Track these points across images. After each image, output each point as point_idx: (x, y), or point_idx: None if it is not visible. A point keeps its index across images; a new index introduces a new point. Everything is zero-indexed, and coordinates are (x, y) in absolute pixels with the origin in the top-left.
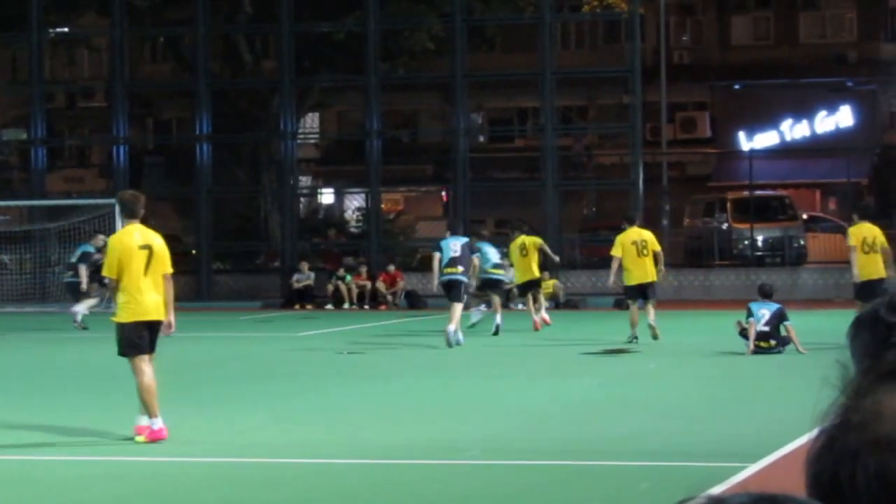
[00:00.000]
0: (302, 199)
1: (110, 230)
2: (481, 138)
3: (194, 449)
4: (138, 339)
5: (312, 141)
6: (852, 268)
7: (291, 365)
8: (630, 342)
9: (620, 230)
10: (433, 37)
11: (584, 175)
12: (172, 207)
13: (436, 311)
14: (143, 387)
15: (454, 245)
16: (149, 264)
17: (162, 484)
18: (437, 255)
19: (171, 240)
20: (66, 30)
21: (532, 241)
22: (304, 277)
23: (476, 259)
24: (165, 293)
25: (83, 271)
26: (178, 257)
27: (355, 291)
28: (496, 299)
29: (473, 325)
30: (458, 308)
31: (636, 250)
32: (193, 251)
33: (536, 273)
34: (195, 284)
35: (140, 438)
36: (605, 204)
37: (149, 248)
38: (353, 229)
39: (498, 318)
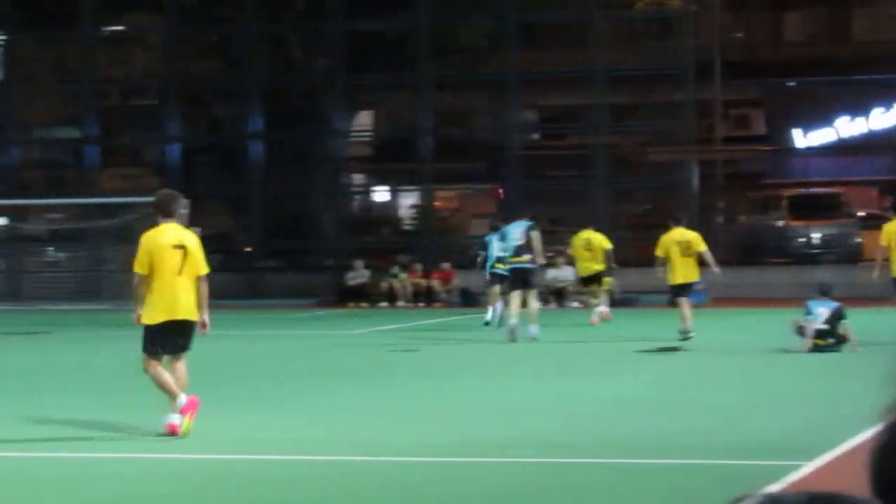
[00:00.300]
0: (355, 197)
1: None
2: (534, 136)
3: (243, 446)
4: (161, 339)
5: (365, 139)
6: (876, 266)
7: (343, 362)
8: (684, 338)
9: (667, 230)
10: (485, 34)
11: (636, 173)
12: (224, 206)
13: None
14: (158, 382)
15: (516, 233)
16: (183, 264)
17: (205, 481)
18: (497, 243)
19: (222, 238)
20: (118, 28)
21: (599, 240)
22: (359, 275)
23: (482, 255)
24: (200, 293)
25: None
26: (230, 255)
27: (409, 289)
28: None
29: (488, 324)
30: (528, 297)
31: (680, 250)
32: (246, 249)
33: (600, 267)
34: (247, 282)
35: (183, 428)
36: (660, 202)
37: (183, 247)
38: (406, 227)
39: (489, 315)
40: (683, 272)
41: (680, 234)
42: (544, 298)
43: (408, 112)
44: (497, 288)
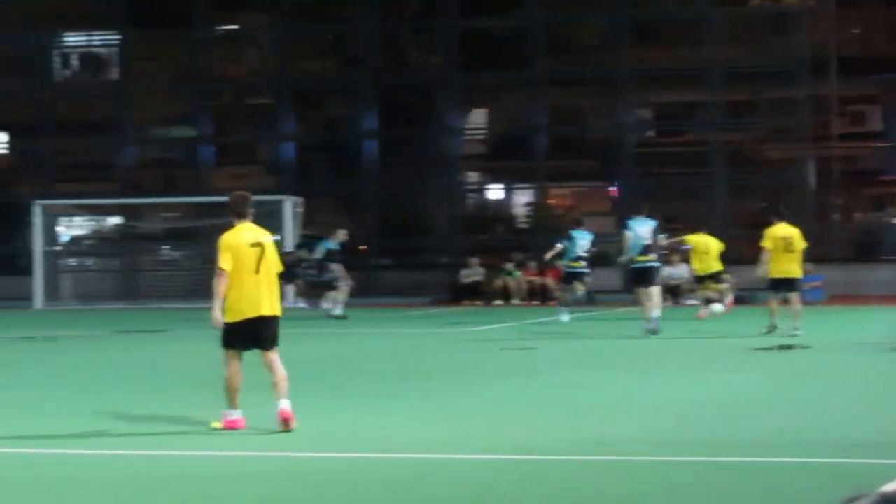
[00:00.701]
0: (468, 195)
1: (277, 227)
2: (648, 133)
3: (359, 444)
4: (239, 335)
5: (479, 136)
6: None
7: (458, 360)
8: (769, 332)
9: (770, 225)
10: (598, 32)
11: (752, 170)
12: (338, 204)
13: (605, 307)
14: (226, 378)
15: (643, 230)
16: (260, 262)
17: (322, 480)
18: (628, 233)
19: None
20: (232, 27)
21: (714, 243)
22: (473, 273)
23: (559, 247)
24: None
25: (336, 267)
26: (343, 253)
27: (524, 287)
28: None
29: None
30: (655, 292)
31: (784, 245)
32: (360, 248)
33: (718, 267)
34: (361, 281)
35: (216, 424)
36: (776, 199)
37: (260, 245)
38: (520, 225)
39: (565, 316)
40: (785, 267)
41: (784, 230)
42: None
43: (521, 110)
44: (576, 285)
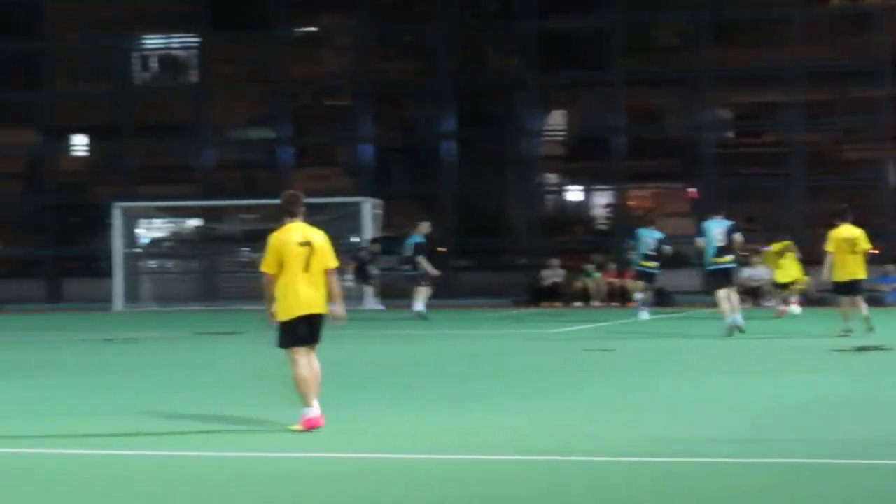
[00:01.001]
0: (547, 197)
1: (356, 228)
2: (728, 134)
3: (440, 445)
4: (295, 333)
5: (557, 138)
6: None
7: (540, 361)
8: (844, 335)
9: (833, 227)
10: (677, 32)
11: (832, 171)
12: (417, 205)
13: (684, 308)
14: (296, 377)
15: (717, 231)
16: (309, 261)
17: (410, 481)
18: (699, 241)
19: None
20: (310, 29)
21: (791, 254)
22: (553, 275)
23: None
24: (332, 287)
25: (423, 261)
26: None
27: (604, 288)
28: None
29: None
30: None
31: (848, 247)
32: (440, 249)
33: (797, 275)
34: (442, 281)
35: (296, 427)
36: (855, 200)
37: (309, 244)
38: (599, 226)
39: (645, 314)
40: (851, 269)
41: (848, 231)
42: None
43: (600, 110)
44: (640, 285)
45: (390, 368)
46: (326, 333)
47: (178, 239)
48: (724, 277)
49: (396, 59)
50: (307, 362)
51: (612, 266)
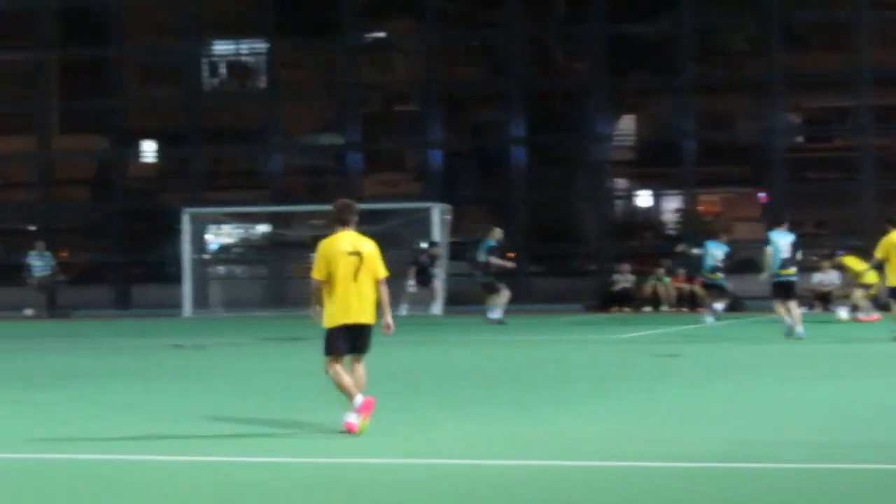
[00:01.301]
0: (617, 202)
1: (426, 233)
2: (798, 138)
3: (511, 451)
4: (340, 343)
5: (627, 142)
6: None
7: (609, 367)
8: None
9: (886, 233)
10: (748, 37)
11: None
12: (487, 210)
13: (754, 313)
14: (340, 384)
15: (783, 243)
16: (358, 270)
17: (476, 486)
18: (768, 248)
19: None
20: (379, 35)
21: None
22: (623, 280)
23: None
24: (381, 296)
25: (496, 259)
26: None
27: (673, 293)
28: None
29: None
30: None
31: None
32: (509, 254)
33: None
34: (512, 287)
35: (360, 427)
36: None
37: (358, 254)
38: (669, 231)
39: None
40: None
41: None
42: (809, 303)
43: (670, 115)
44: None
45: (460, 374)
46: (396, 340)
47: (246, 245)
48: (786, 290)
49: (465, 63)
50: (341, 369)
51: (682, 271)
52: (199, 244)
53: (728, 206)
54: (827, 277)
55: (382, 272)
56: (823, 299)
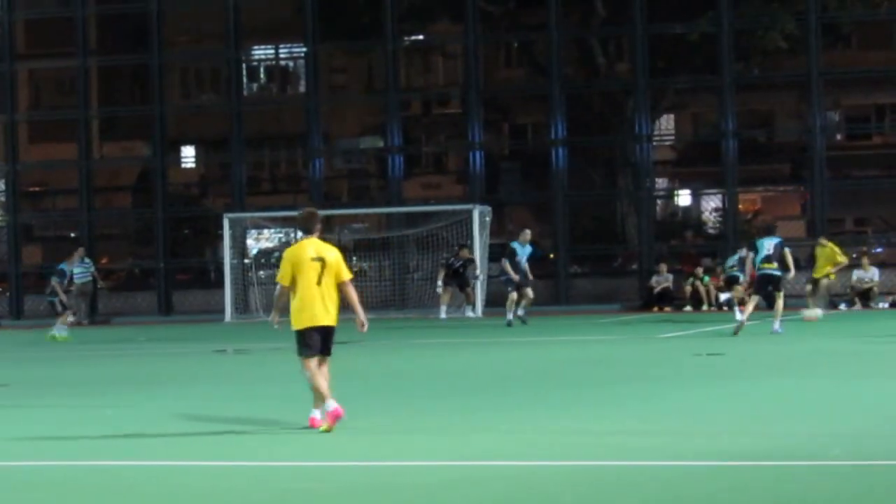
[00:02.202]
0: (658, 201)
1: (467, 236)
2: (838, 136)
3: (553, 452)
4: (311, 342)
5: (668, 142)
6: None
7: (649, 367)
8: None
9: None
10: (787, 35)
11: None
12: (529, 212)
13: (790, 311)
14: (311, 381)
15: (768, 244)
16: (321, 275)
17: (519, 487)
18: (750, 254)
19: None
20: (420, 37)
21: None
22: (663, 279)
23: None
24: (349, 297)
25: (507, 266)
26: (534, 262)
27: (714, 293)
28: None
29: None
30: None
31: None
32: (551, 255)
33: None
34: (553, 288)
35: (323, 428)
36: None
37: (321, 260)
38: (710, 230)
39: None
40: None
41: None
42: (849, 300)
43: (711, 115)
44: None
45: (501, 376)
46: (441, 343)
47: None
48: (767, 283)
49: (507, 65)
50: (317, 368)
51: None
52: (240, 249)
53: (769, 204)
54: (867, 275)
55: (346, 275)
56: (864, 296)
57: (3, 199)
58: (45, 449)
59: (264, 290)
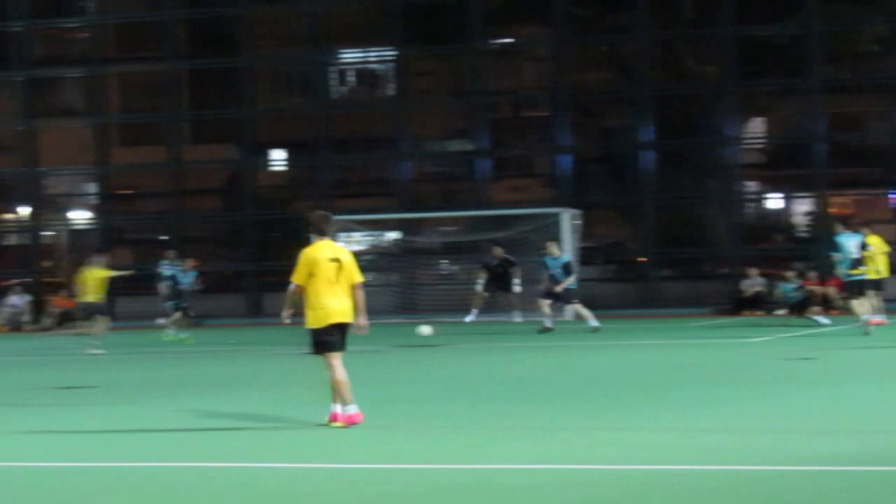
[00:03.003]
0: (747, 205)
1: (555, 239)
2: None
3: (645, 455)
4: (329, 339)
5: (757, 146)
6: None
7: (740, 371)
8: None
9: None
10: (877, 37)
11: None
12: (617, 215)
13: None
14: (335, 380)
15: (852, 245)
16: (339, 274)
17: (611, 490)
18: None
19: (615, 247)
20: (507, 40)
21: None
22: (753, 283)
23: (837, 256)
24: (356, 300)
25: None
26: (622, 265)
27: (834, 298)
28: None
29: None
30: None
31: None
32: (639, 259)
33: None
34: (641, 292)
35: (337, 424)
36: None
37: (338, 260)
38: (800, 234)
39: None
40: None
41: None
42: None
43: (800, 118)
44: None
45: (588, 379)
46: (527, 346)
47: (376, 252)
48: (859, 287)
49: (594, 68)
50: (341, 365)
51: (813, 274)
52: None
53: (860, 207)
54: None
55: (359, 278)
56: None
57: (93, 201)
58: (140, 449)
59: None
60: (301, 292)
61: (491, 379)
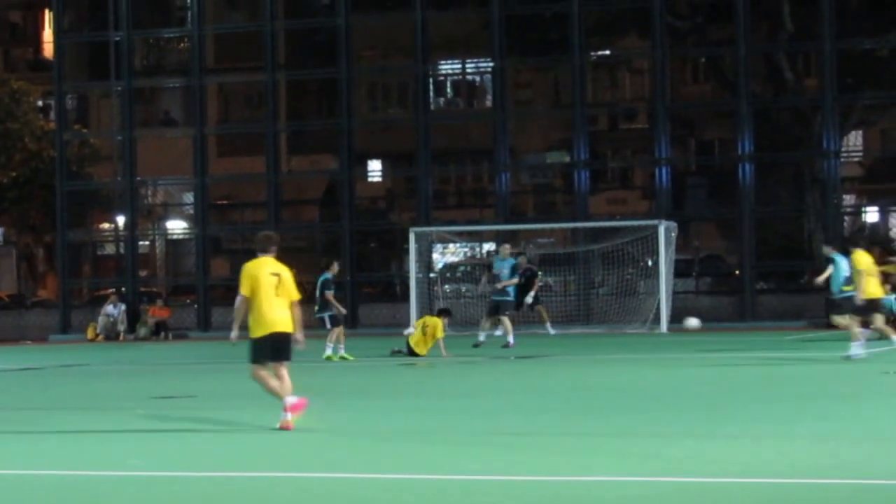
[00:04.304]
0: (846, 218)
1: (653, 251)
2: None
3: (733, 469)
4: (266, 350)
5: (856, 159)
6: None
7: (835, 385)
8: None
9: None
10: None
11: None
12: (715, 228)
13: None
14: (265, 387)
15: (845, 264)
16: (278, 287)
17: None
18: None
19: (713, 260)
20: (607, 52)
21: None
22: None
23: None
24: (294, 315)
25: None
26: (719, 278)
27: None
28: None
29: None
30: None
31: None
32: (737, 271)
33: None
34: (739, 305)
35: (292, 418)
36: None
37: (278, 275)
38: None
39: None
40: None
41: None
42: None
43: None
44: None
45: (682, 392)
46: (623, 358)
47: (473, 263)
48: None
49: (694, 81)
50: (265, 374)
51: None
52: (425, 263)
53: None
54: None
55: (296, 295)
56: None
57: (191, 211)
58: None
59: (450, 304)
60: (247, 305)
61: (582, 390)
